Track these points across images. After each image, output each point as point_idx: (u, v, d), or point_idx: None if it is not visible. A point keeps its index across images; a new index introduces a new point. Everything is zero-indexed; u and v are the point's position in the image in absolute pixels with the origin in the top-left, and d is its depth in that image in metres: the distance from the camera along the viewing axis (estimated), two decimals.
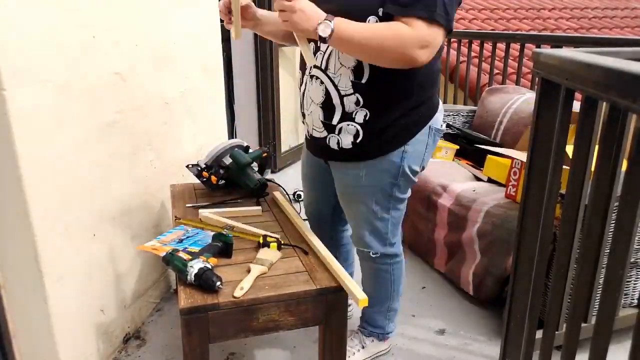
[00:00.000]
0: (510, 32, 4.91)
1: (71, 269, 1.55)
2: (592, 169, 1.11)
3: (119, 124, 1.76)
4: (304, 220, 1.75)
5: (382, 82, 1.37)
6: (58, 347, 1.51)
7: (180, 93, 2.19)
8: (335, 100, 1.42)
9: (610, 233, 1.50)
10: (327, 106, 1.45)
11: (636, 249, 1.77)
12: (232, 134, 3.77)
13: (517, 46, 3.12)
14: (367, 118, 1.42)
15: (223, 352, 1.83)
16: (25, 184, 1.34)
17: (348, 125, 1.44)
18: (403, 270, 1.73)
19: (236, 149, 2.00)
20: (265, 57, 3.63)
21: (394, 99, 1.41)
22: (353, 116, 1.43)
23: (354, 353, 1.78)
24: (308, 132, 1.61)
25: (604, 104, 1.03)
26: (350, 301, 1.88)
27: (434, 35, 1.26)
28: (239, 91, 3.77)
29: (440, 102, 1.56)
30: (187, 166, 2.01)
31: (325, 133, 1.50)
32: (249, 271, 1.34)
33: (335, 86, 1.41)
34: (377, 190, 1.52)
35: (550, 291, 1.30)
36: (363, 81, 1.38)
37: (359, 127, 1.43)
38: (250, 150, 2.06)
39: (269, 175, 3.70)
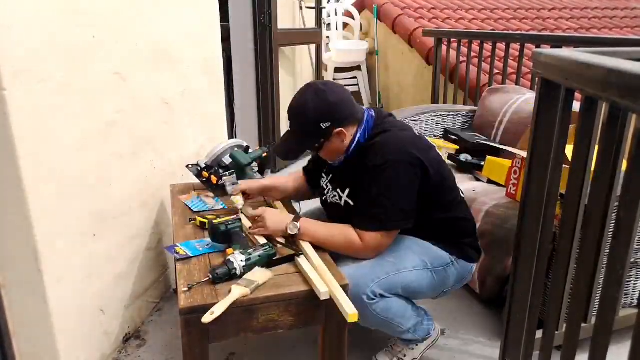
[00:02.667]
0: (510, 32, 4.90)
1: (71, 269, 1.55)
2: (592, 169, 1.11)
3: (119, 124, 1.76)
4: None
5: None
6: (58, 347, 1.51)
7: (180, 93, 2.19)
8: None
9: (610, 233, 1.50)
10: None
11: (636, 249, 1.77)
12: (232, 134, 3.77)
13: (517, 46, 3.12)
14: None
15: (223, 352, 1.83)
16: (25, 184, 1.34)
17: None
18: (394, 307, 1.54)
19: (236, 149, 2.00)
20: (265, 57, 3.62)
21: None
22: None
23: (405, 355, 1.74)
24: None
25: (604, 104, 1.03)
26: None
27: (384, 239, 1.51)
28: (239, 91, 3.77)
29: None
30: (187, 166, 2.01)
31: None
32: (230, 292, 1.26)
33: None
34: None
35: (550, 291, 1.30)
36: None
37: None
38: (250, 150, 2.06)
39: (268, 175, 3.70)
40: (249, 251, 1.39)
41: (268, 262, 1.41)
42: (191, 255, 1.46)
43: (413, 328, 1.63)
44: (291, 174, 1.96)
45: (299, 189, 1.90)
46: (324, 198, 1.73)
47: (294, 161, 4.10)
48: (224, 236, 1.49)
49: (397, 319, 1.55)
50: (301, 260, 1.42)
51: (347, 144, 1.57)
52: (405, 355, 1.75)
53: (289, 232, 1.53)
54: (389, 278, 1.49)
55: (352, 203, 1.58)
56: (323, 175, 1.76)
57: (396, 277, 1.51)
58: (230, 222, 1.50)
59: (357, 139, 1.57)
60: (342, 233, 1.53)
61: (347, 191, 1.60)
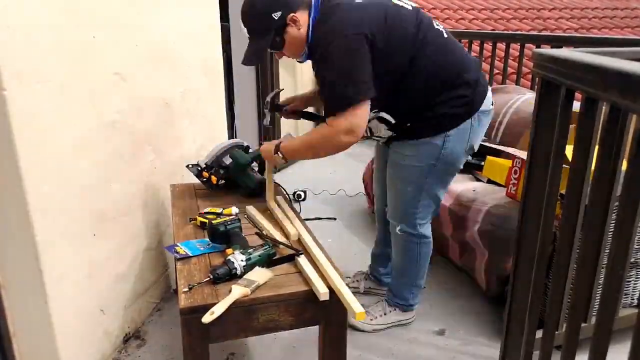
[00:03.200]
0: (510, 32, 4.90)
1: (71, 269, 1.55)
2: (592, 169, 1.11)
3: (119, 124, 1.76)
4: (305, 220, 1.75)
5: (409, 113, 1.66)
6: (58, 347, 1.51)
7: (180, 93, 2.19)
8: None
9: (610, 233, 1.50)
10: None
11: (636, 249, 1.77)
12: (232, 134, 3.77)
13: (517, 46, 3.13)
14: (409, 124, 1.69)
15: (223, 352, 1.83)
16: (25, 184, 1.34)
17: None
18: (429, 251, 1.89)
19: (236, 149, 2.00)
20: (265, 57, 3.62)
21: (426, 107, 1.64)
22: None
23: (376, 317, 1.96)
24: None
25: (604, 104, 1.03)
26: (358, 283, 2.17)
27: (352, 117, 1.51)
28: (239, 91, 3.77)
29: (487, 86, 1.73)
30: (187, 166, 2.01)
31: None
32: (230, 291, 1.27)
33: (383, 137, 1.78)
34: (416, 171, 1.71)
35: (550, 291, 1.30)
36: (395, 122, 1.69)
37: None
38: (250, 150, 2.06)
39: None
40: (249, 251, 1.40)
41: (268, 261, 1.41)
42: (191, 254, 1.47)
43: (417, 288, 1.92)
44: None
45: (316, 96, 1.99)
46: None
47: (295, 160, 4.10)
48: (223, 236, 1.49)
49: (422, 267, 1.87)
50: (301, 260, 1.42)
51: (304, 32, 1.56)
52: (377, 317, 1.94)
53: (277, 161, 1.68)
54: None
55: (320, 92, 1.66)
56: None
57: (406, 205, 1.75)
58: (229, 222, 1.50)
59: (311, 25, 1.56)
60: (316, 132, 1.60)
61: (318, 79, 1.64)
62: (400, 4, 1.61)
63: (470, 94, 1.64)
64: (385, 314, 1.97)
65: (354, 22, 1.49)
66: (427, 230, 1.85)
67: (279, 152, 1.65)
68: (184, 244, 1.53)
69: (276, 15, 1.52)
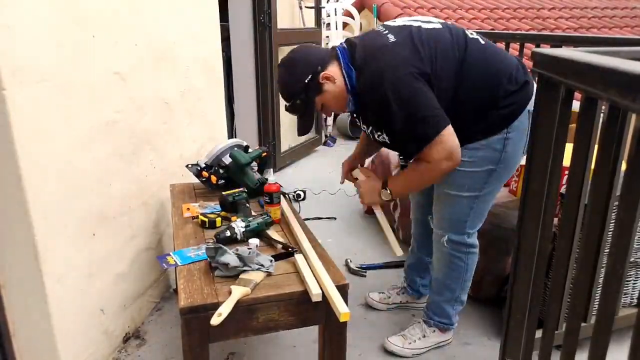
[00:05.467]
0: (510, 31, 4.90)
1: (71, 269, 1.55)
2: (592, 168, 1.11)
3: (119, 123, 1.76)
4: (305, 220, 1.75)
5: (463, 128, 1.53)
6: (58, 347, 1.51)
7: (180, 93, 2.19)
8: None
9: (610, 233, 1.50)
10: None
11: (636, 248, 1.77)
12: (232, 134, 3.77)
13: (517, 46, 3.12)
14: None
15: (223, 351, 1.83)
16: (25, 184, 1.34)
17: None
18: (475, 262, 1.77)
19: (236, 148, 2.00)
20: (265, 56, 3.62)
21: (479, 117, 1.57)
22: None
23: (414, 341, 1.84)
24: None
25: (604, 103, 1.03)
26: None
27: (443, 145, 1.47)
28: (239, 91, 3.77)
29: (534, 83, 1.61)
30: (187, 166, 2.01)
31: None
32: (230, 292, 1.27)
33: None
34: (472, 175, 1.60)
35: (550, 291, 1.31)
36: None
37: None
38: (250, 150, 2.06)
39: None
40: (249, 219, 1.57)
41: (266, 229, 1.59)
42: (180, 264, 1.44)
43: (460, 303, 1.83)
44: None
45: (368, 143, 1.89)
46: (372, 139, 1.68)
47: (295, 160, 4.10)
48: (232, 205, 1.70)
49: (467, 280, 1.77)
50: (299, 259, 1.42)
51: (341, 84, 1.55)
52: (415, 341, 1.83)
53: (384, 198, 1.65)
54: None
55: (388, 140, 1.58)
56: (357, 120, 1.73)
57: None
58: (237, 194, 1.73)
59: (345, 72, 1.54)
60: (416, 171, 1.58)
61: (381, 130, 1.58)
62: (430, 26, 1.56)
63: (522, 94, 1.56)
64: (424, 336, 1.84)
65: (399, 62, 1.45)
66: (475, 239, 1.74)
67: (387, 189, 1.63)
68: (178, 253, 1.51)
69: (308, 78, 1.51)
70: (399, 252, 1.73)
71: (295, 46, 1.62)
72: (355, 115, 1.71)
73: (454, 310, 1.83)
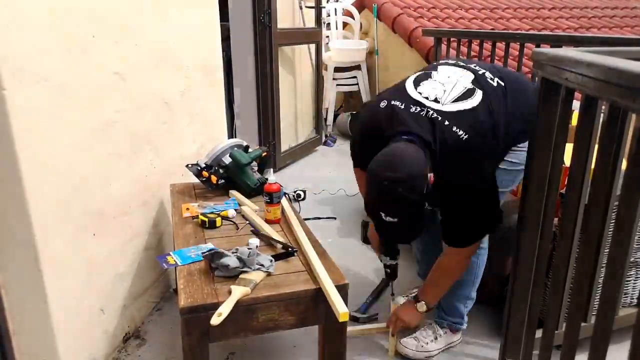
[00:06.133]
0: (510, 31, 4.90)
1: (71, 269, 1.55)
2: (592, 168, 1.11)
3: (119, 123, 1.76)
4: (305, 220, 1.75)
5: None
6: (58, 347, 1.51)
7: (180, 93, 2.19)
8: None
9: (610, 233, 1.50)
10: None
11: (636, 248, 1.77)
12: (232, 134, 3.77)
13: (517, 46, 3.11)
14: None
15: (223, 351, 1.83)
16: (25, 184, 1.34)
17: None
18: (485, 258, 1.79)
19: (236, 148, 2.00)
20: (265, 56, 3.62)
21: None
22: None
23: (427, 343, 1.82)
24: None
25: (604, 103, 1.03)
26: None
27: (474, 246, 1.56)
28: (239, 91, 3.77)
29: None
30: (187, 166, 2.01)
31: None
32: (230, 292, 1.27)
33: None
34: (512, 172, 1.58)
35: (550, 291, 1.30)
36: None
37: None
38: (250, 150, 2.06)
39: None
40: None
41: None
42: (180, 264, 1.44)
43: (471, 301, 1.83)
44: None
45: None
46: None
47: (295, 160, 4.10)
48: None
49: (478, 277, 1.78)
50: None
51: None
52: (428, 343, 1.81)
53: (422, 310, 1.70)
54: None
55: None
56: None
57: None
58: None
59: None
60: (446, 268, 1.64)
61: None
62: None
63: None
64: (436, 338, 1.83)
65: (479, 142, 1.40)
66: (486, 237, 1.73)
67: (422, 303, 1.69)
68: (178, 252, 1.51)
69: (423, 183, 1.34)
70: (391, 353, 1.82)
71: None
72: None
73: (465, 308, 1.84)
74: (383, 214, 1.35)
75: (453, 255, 1.59)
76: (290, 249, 1.47)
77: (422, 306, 1.69)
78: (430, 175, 1.37)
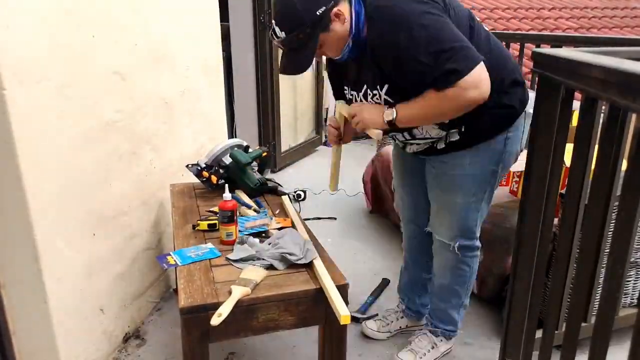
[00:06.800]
0: (510, 31, 4.90)
1: (71, 269, 1.55)
2: (592, 169, 1.11)
3: (119, 123, 1.76)
4: (305, 220, 1.75)
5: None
6: (58, 347, 1.51)
7: (180, 93, 2.19)
8: (433, 141, 1.56)
9: (610, 233, 1.50)
10: (430, 147, 1.58)
11: (636, 248, 1.77)
12: (232, 134, 3.77)
13: (517, 46, 3.11)
14: (465, 128, 1.50)
15: (223, 351, 1.83)
16: (25, 184, 1.34)
17: (452, 132, 1.51)
18: (478, 264, 1.73)
19: (236, 148, 2.01)
20: (265, 56, 3.62)
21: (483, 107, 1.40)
22: (453, 130, 1.51)
23: (425, 354, 1.77)
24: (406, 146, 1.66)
25: (604, 103, 1.03)
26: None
27: (473, 75, 1.29)
28: (239, 91, 3.77)
29: (529, 92, 1.55)
30: (187, 166, 2.01)
31: (429, 144, 1.58)
32: (230, 292, 1.27)
33: (429, 137, 1.54)
34: (477, 179, 1.55)
35: (550, 291, 1.30)
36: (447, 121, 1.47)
37: (461, 129, 1.50)
38: (250, 150, 2.06)
39: (268, 175, 3.70)
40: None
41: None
42: (180, 264, 1.44)
43: (464, 308, 1.78)
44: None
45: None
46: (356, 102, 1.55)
47: (295, 160, 4.10)
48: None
49: (472, 283, 1.74)
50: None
51: (348, 26, 1.39)
52: (425, 354, 1.77)
53: (385, 118, 1.43)
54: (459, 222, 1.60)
55: (392, 100, 1.44)
56: (345, 87, 1.60)
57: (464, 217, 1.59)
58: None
59: (354, 13, 1.39)
60: (431, 97, 1.36)
61: (385, 88, 1.44)
62: None
63: (521, 92, 1.51)
64: (433, 347, 1.78)
65: (418, 1, 1.33)
66: (479, 241, 1.69)
67: (392, 110, 1.42)
68: (178, 252, 1.51)
69: (320, 11, 1.34)
70: (332, 189, 1.71)
71: None
72: (345, 78, 1.57)
73: (459, 315, 1.79)
74: (277, 29, 1.38)
75: (445, 98, 1.35)
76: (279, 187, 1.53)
77: (389, 115, 1.42)
78: (342, 13, 1.37)
